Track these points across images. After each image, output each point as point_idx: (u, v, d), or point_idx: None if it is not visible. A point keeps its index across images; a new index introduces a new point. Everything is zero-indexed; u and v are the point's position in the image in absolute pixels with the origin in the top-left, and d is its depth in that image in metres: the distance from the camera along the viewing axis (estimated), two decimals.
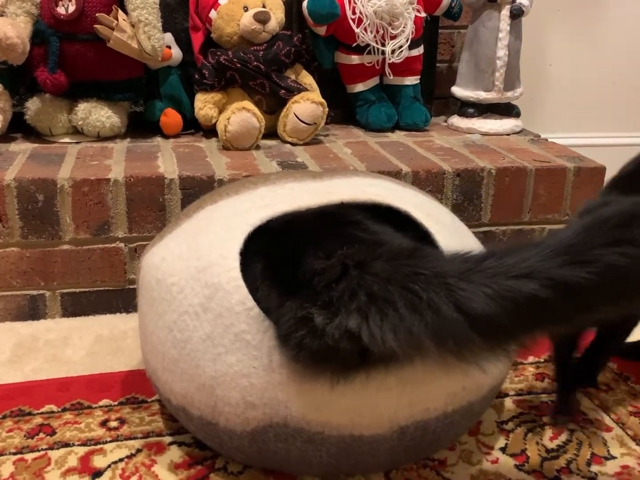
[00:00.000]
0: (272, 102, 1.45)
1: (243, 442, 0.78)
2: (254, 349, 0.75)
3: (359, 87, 1.58)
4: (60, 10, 1.33)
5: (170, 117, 1.44)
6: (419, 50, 1.59)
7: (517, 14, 1.53)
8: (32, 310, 1.20)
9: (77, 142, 1.39)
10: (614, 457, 0.87)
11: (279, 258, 0.80)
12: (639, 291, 0.61)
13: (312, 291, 0.70)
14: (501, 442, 0.89)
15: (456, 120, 1.64)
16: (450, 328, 0.63)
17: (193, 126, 1.50)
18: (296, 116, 1.41)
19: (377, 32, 1.50)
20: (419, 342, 0.64)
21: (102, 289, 1.21)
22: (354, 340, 0.67)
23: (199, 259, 0.81)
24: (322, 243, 0.76)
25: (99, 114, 1.38)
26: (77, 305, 1.21)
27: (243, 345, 0.75)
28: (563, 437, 0.90)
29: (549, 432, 0.91)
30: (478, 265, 0.65)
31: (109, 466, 0.84)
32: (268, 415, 0.75)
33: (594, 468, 0.85)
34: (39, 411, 0.94)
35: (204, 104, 1.41)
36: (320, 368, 0.72)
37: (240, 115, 1.34)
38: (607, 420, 0.94)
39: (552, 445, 0.89)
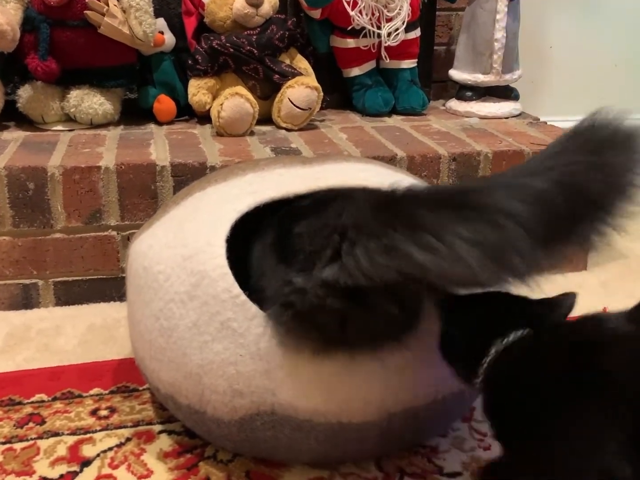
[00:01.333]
0: (266, 87, 1.44)
1: (231, 430, 0.77)
2: (240, 337, 0.74)
3: (355, 71, 1.57)
4: None
5: (164, 104, 1.43)
6: (415, 33, 1.57)
7: None
8: (25, 300, 1.19)
9: (69, 130, 1.38)
10: None
11: (288, 230, 0.79)
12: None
13: (294, 253, 0.71)
14: None
15: (454, 104, 1.62)
16: (432, 228, 0.60)
17: (187, 112, 1.49)
18: (290, 101, 1.39)
19: (373, 14, 1.48)
20: (403, 258, 0.60)
21: (95, 277, 1.20)
22: (336, 291, 0.65)
23: (186, 246, 0.80)
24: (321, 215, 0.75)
25: (91, 101, 1.36)
26: (70, 294, 1.20)
27: (229, 333, 0.75)
28: None
29: None
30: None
31: (98, 455, 0.83)
32: (255, 403, 0.75)
33: None
34: (29, 400, 0.93)
35: (198, 90, 1.40)
36: (303, 338, 0.71)
37: (234, 100, 1.33)
38: None
39: None
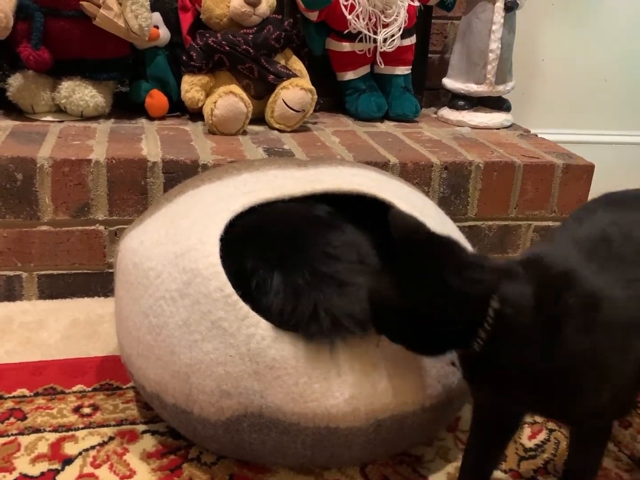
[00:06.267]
0: (261, 87, 1.43)
1: (217, 431, 0.77)
2: (230, 337, 0.74)
3: (350, 75, 1.56)
4: None
5: (156, 99, 1.42)
6: (411, 40, 1.57)
7: (511, 7, 1.51)
8: (8, 292, 1.17)
9: (59, 121, 1.36)
10: None
11: None
12: None
13: None
14: None
15: (446, 113, 1.62)
16: None
17: (179, 109, 1.47)
18: (284, 102, 1.39)
19: (370, 19, 1.48)
20: None
21: (80, 271, 1.19)
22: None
23: (178, 243, 0.79)
24: None
25: (82, 93, 1.35)
26: (54, 288, 1.19)
27: (220, 333, 0.74)
28: (541, 436, 0.90)
29: (527, 431, 0.90)
30: None
31: (80, 454, 0.82)
32: (243, 404, 0.74)
33: None
34: (10, 395, 0.91)
35: (191, 87, 1.38)
36: None
37: (227, 99, 1.32)
38: None
39: (530, 444, 0.88)
